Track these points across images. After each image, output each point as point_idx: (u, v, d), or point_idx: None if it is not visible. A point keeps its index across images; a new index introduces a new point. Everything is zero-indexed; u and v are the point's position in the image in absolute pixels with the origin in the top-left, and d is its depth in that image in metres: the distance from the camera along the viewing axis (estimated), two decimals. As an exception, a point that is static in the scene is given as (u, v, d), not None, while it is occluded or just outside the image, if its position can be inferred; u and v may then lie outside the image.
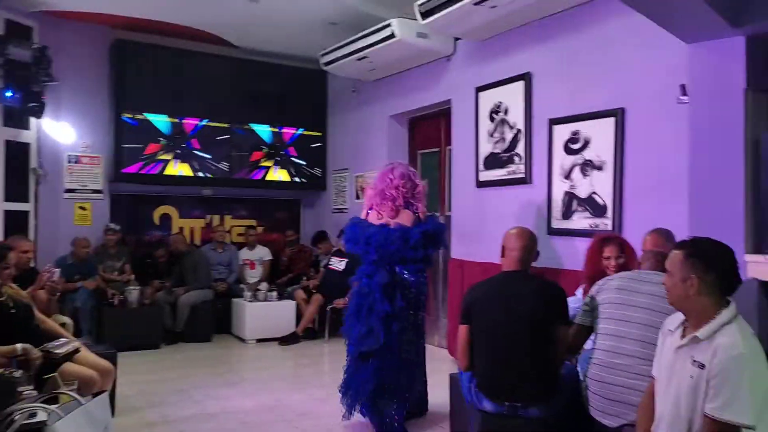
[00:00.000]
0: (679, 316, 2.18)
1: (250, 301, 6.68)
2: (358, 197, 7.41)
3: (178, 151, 7.14)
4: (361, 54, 6.08)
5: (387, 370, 3.77)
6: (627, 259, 3.53)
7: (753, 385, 1.92)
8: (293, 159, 7.86)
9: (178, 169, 7.15)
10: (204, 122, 7.27)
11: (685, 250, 2.08)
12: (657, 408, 2.14)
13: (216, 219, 7.82)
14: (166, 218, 7.53)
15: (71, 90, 6.80)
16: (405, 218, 3.97)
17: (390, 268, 3.86)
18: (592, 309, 2.80)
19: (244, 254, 7.53)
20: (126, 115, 6.85)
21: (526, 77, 5.07)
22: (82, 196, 6.97)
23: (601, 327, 2.73)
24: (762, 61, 3.21)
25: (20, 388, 2.69)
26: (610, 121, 4.35)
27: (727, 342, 1.95)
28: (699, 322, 2.05)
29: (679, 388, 2.03)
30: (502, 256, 3.02)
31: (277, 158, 7.75)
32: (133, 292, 6.22)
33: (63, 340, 3.54)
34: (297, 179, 7.89)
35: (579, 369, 3.30)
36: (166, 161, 7.09)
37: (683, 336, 2.10)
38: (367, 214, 4.11)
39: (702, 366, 1.98)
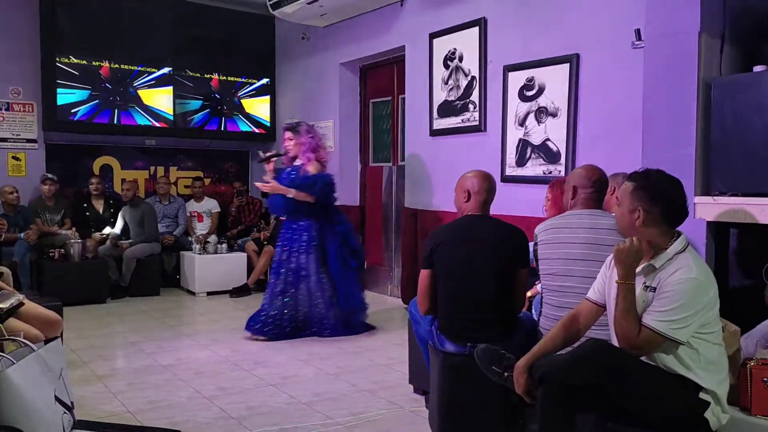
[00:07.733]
0: None
1: (200, 254, 6.53)
2: (308, 147, 7.24)
3: (118, 99, 6.80)
4: (312, -4, 5.85)
5: None
6: None
7: (697, 308, 1.98)
8: (240, 108, 7.61)
9: (119, 117, 6.82)
10: (144, 69, 6.92)
11: (634, 183, 2.14)
12: (612, 332, 2.20)
13: (161, 170, 7.54)
14: (106, 169, 7.21)
15: (-2, 30, 6.34)
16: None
17: None
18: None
19: (192, 206, 7.32)
20: (60, 60, 6.45)
21: (480, 23, 5.01)
22: (15, 145, 6.58)
23: (545, 283, 2.81)
24: (716, 3, 3.24)
25: (-38, 341, 2.55)
26: (564, 68, 4.36)
27: (683, 267, 2.02)
28: (648, 252, 2.12)
29: None
30: (466, 201, 2.98)
31: (224, 108, 7.49)
32: (75, 246, 5.96)
33: (4, 292, 3.36)
34: (244, 129, 7.65)
35: (533, 311, 3.37)
36: (105, 110, 6.74)
37: None
38: None
39: (654, 290, 2.05)
